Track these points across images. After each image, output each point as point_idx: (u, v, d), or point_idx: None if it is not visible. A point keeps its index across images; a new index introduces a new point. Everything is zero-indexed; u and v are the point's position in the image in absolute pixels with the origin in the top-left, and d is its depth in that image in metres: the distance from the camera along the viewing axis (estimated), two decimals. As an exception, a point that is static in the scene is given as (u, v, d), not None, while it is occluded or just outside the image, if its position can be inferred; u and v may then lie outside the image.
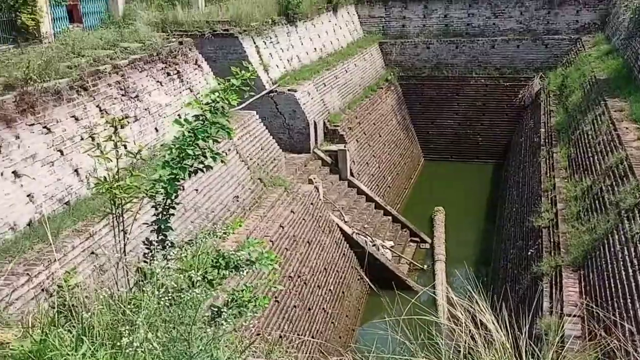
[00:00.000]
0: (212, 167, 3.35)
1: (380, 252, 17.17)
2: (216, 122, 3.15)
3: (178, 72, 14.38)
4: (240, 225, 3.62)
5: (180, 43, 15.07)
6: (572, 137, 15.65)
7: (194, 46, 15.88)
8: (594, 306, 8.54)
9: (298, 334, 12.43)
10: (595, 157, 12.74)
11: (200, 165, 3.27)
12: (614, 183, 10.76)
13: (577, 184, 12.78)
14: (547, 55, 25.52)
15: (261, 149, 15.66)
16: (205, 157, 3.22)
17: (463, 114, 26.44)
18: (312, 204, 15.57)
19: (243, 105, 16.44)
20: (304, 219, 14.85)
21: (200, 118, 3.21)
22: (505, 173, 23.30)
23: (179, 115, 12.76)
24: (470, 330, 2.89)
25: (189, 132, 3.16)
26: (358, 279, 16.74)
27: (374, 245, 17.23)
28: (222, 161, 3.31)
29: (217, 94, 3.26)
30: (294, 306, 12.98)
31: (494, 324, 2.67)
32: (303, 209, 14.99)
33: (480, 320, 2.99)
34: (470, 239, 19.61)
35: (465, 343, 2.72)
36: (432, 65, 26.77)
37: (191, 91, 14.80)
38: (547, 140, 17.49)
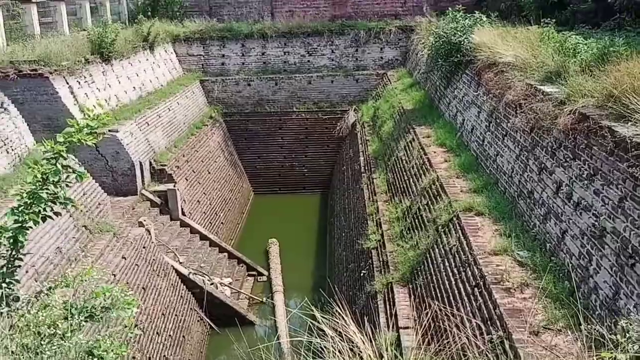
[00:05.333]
0: (60, 214, 3.14)
1: (219, 290, 16.93)
2: (67, 166, 2.97)
3: (-19, 116, 13.05)
4: (91, 274, 3.41)
5: (-18, 85, 13.72)
6: (389, 163, 17.00)
7: (-1, 88, 14.57)
8: (424, 316, 9.31)
9: (140, 387, 11.73)
10: (411, 180, 13.97)
11: (50, 212, 3.04)
12: (429, 202, 11.89)
13: (398, 206, 13.89)
14: (358, 89, 27.52)
15: (84, 194, 14.70)
16: (55, 203, 3.01)
17: (288, 147, 27.35)
18: (144, 247, 14.92)
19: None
20: (136, 265, 14.16)
21: (51, 161, 3.00)
22: (332, 201, 24.48)
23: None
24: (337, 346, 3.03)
25: (42, 175, 2.93)
26: (198, 321, 16.30)
27: (211, 283, 16.94)
28: (73, 206, 3.12)
29: (70, 134, 3.07)
30: (133, 357, 12.23)
31: (359, 337, 2.85)
32: (135, 254, 14.30)
33: (344, 336, 3.16)
34: (306, 267, 20.18)
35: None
36: (254, 102, 27.41)
37: (-2, 136, 13.51)
38: (366, 168, 18.77)
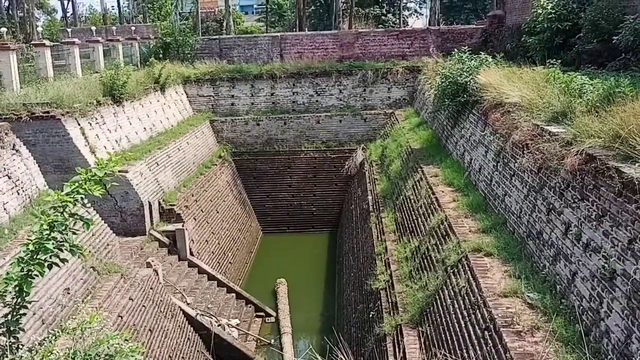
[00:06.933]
0: (67, 261, 3.16)
1: (227, 332, 16.75)
2: (75, 214, 3.01)
3: (-7, 158, 13.21)
4: (95, 320, 3.41)
5: (-5, 127, 13.94)
6: (397, 202, 16.98)
7: (11, 130, 14.77)
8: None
9: None
10: (419, 220, 13.92)
11: (57, 260, 3.06)
12: (438, 242, 11.82)
13: (406, 246, 13.81)
14: (366, 128, 27.75)
15: (92, 235, 14.72)
16: (61, 250, 3.03)
17: (296, 187, 27.44)
18: (151, 288, 14.84)
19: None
20: (144, 306, 14.05)
21: (58, 210, 3.03)
22: (340, 240, 24.38)
23: (4, 207, 11.76)
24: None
25: (47, 224, 2.96)
26: (205, 363, 16.07)
27: (219, 325, 16.77)
28: (81, 254, 3.14)
29: (77, 184, 3.12)
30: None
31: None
32: (142, 295, 14.22)
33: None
34: (314, 307, 19.98)
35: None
36: (263, 141, 27.67)
37: (9, 178, 13.64)
38: (375, 207, 18.75)
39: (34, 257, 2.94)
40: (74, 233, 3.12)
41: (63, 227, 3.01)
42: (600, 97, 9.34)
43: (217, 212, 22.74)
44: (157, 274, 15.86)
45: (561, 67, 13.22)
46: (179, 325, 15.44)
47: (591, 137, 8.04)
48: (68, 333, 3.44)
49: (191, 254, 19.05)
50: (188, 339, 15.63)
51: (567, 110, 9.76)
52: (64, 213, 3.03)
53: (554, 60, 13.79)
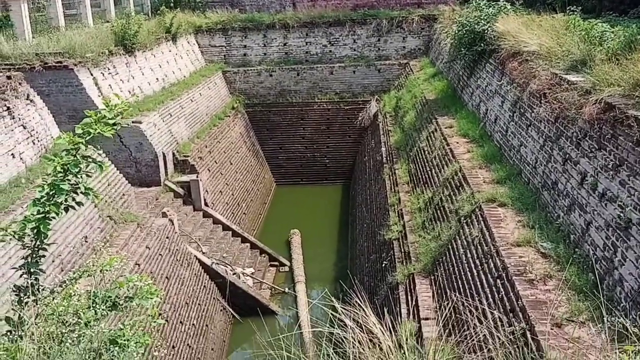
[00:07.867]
0: (83, 204, 3.19)
1: (242, 280, 17.07)
2: (87, 156, 3.01)
3: (8, 108, 13.26)
4: (116, 261, 3.47)
5: (9, 77, 13.92)
6: (411, 153, 16.90)
7: (24, 80, 14.77)
8: (445, 307, 9.27)
9: (164, 375, 11.90)
10: (433, 171, 13.87)
11: (73, 202, 3.10)
12: (451, 193, 11.80)
13: (420, 197, 13.81)
14: (380, 79, 27.37)
15: (108, 185, 14.89)
16: (77, 193, 3.05)
17: (309, 138, 27.34)
18: (167, 237, 15.08)
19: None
20: (160, 254, 14.31)
21: (72, 152, 3.04)
22: (353, 192, 24.45)
23: (12, 154, 11.83)
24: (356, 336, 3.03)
25: (61, 167, 2.98)
26: (221, 310, 16.46)
27: (234, 273, 17.08)
28: (95, 196, 3.17)
29: (89, 125, 3.11)
30: (157, 346, 12.40)
31: (379, 328, 2.84)
32: (159, 244, 14.46)
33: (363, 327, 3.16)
34: (327, 258, 20.22)
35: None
36: (276, 92, 27.45)
37: (25, 128, 13.72)
38: (388, 158, 18.69)
39: (50, 198, 2.97)
40: (87, 176, 3.14)
41: (77, 169, 3.02)
42: (621, 45, 9.09)
43: (231, 164, 22.82)
44: (173, 224, 16.08)
45: (582, 15, 12.83)
46: (195, 274, 15.76)
47: (611, 85, 7.87)
48: (89, 275, 3.50)
49: (206, 204, 19.24)
50: (204, 286, 15.97)
51: (586, 59, 9.54)
52: (77, 155, 3.04)
53: (575, 7, 13.38)
